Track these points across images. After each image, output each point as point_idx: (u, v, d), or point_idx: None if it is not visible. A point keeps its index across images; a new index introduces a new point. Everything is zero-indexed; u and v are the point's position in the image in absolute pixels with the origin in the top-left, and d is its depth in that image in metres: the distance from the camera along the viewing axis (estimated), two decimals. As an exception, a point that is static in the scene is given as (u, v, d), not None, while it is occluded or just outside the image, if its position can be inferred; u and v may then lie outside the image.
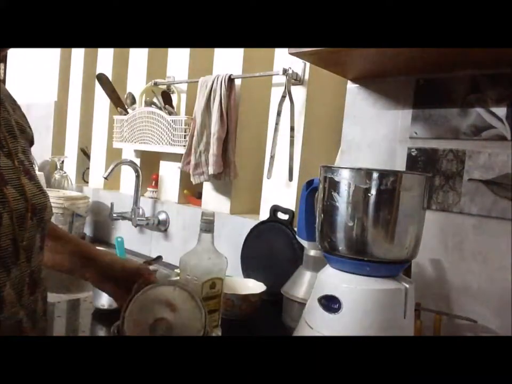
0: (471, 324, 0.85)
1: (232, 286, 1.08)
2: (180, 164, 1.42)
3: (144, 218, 1.58)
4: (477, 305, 0.90)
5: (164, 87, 1.56)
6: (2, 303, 0.54)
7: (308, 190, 0.93)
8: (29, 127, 0.65)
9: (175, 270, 1.37)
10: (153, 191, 1.65)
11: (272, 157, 1.22)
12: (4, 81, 2.41)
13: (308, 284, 0.94)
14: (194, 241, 0.89)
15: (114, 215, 1.58)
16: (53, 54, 2.18)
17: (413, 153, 1.00)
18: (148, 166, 1.69)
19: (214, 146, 1.30)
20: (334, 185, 0.67)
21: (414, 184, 0.65)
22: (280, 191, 1.28)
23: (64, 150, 2.10)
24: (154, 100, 1.55)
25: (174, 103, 1.53)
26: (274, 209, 1.21)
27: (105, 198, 1.80)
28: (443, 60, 0.87)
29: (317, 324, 0.67)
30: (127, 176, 1.74)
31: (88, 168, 1.98)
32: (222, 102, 1.30)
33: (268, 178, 1.24)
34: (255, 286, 1.08)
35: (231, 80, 1.31)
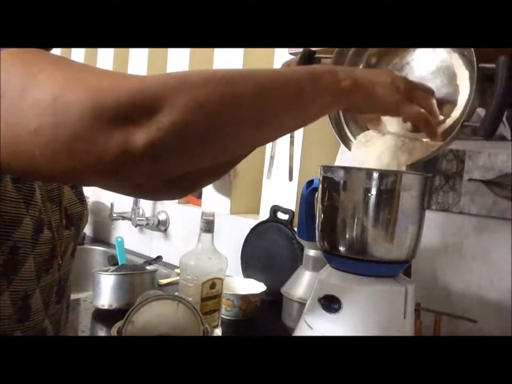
0: (471, 324, 0.85)
1: (232, 286, 1.08)
2: (179, 164, 1.41)
3: (144, 218, 1.58)
4: (477, 305, 0.90)
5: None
6: (29, 311, 0.53)
7: (308, 190, 0.93)
8: None
9: (175, 270, 1.37)
10: (153, 191, 1.65)
11: (272, 157, 1.22)
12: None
13: (308, 284, 0.94)
14: (194, 241, 0.89)
15: (114, 215, 1.58)
16: (53, 54, 2.18)
17: (413, 153, 1.00)
18: (148, 166, 1.69)
19: (214, 146, 1.30)
20: (334, 185, 0.67)
21: (414, 184, 0.65)
22: (280, 191, 1.28)
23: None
24: (154, 100, 1.55)
25: (174, 103, 1.53)
26: (274, 209, 1.21)
27: (105, 198, 1.80)
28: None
29: (317, 323, 0.67)
30: (127, 176, 1.73)
31: (88, 168, 1.98)
32: (222, 102, 1.30)
33: (268, 178, 1.24)
34: (255, 286, 1.08)
35: (231, 80, 1.31)
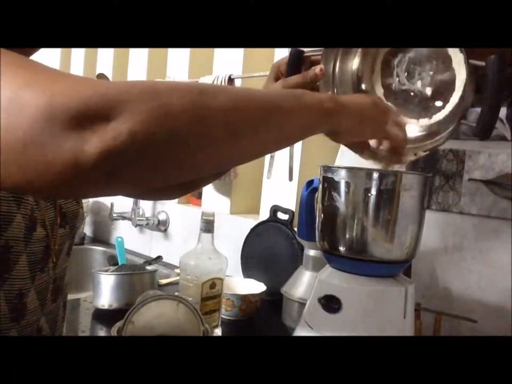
0: (471, 324, 0.85)
1: (232, 286, 1.08)
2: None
3: (144, 218, 1.58)
4: (477, 305, 0.90)
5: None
6: (25, 310, 0.53)
7: (308, 190, 0.93)
8: None
9: (175, 270, 1.37)
10: (153, 191, 1.65)
11: (272, 157, 1.22)
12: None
13: (308, 284, 0.94)
14: (194, 241, 0.89)
15: (114, 215, 1.58)
16: (53, 54, 2.18)
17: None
18: (148, 166, 1.69)
19: (214, 146, 1.30)
20: (334, 185, 0.67)
21: (414, 184, 0.65)
22: (280, 191, 1.28)
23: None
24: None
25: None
26: (274, 209, 1.21)
27: (105, 198, 1.81)
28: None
29: (317, 324, 0.67)
30: (127, 176, 1.73)
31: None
32: (222, 102, 1.30)
33: (268, 178, 1.24)
34: (255, 286, 1.08)
35: (231, 80, 1.31)
